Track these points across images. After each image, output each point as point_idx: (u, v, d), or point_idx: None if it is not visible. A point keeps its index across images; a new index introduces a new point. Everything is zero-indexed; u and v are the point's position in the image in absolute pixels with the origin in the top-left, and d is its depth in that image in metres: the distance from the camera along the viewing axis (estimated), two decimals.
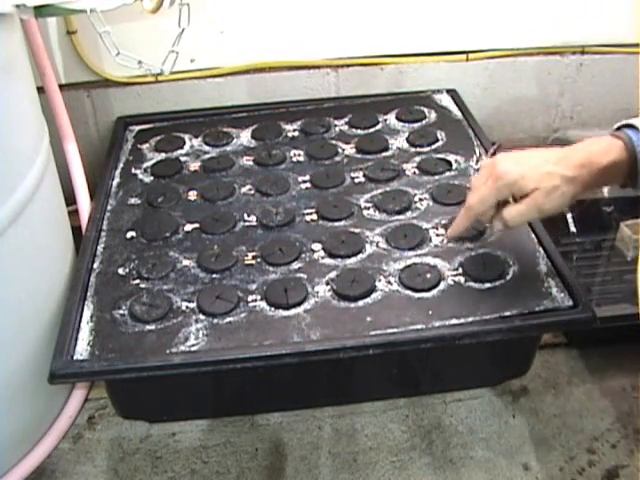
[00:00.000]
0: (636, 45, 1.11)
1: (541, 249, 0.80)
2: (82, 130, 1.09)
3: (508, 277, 0.77)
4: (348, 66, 1.13)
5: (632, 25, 1.11)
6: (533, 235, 0.82)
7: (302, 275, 0.78)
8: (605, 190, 1.10)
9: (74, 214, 0.94)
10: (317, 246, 0.83)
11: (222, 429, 0.85)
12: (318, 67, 1.13)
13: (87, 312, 0.76)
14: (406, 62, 1.14)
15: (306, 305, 0.74)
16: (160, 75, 0.92)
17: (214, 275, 0.79)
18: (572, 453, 0.82)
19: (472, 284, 0.76)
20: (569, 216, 1.03)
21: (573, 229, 1.04)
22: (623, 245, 1.00)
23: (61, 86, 0.97)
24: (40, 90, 0.85)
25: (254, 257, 0.81)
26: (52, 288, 0.81)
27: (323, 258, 0.81)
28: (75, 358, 0.70)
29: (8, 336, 0.73)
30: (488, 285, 0.76)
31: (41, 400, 0.81)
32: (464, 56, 1.15)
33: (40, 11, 0.73)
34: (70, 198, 0.94)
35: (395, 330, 0.71)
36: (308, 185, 0.94)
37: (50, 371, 0.68)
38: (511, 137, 1.27)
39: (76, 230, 0.91)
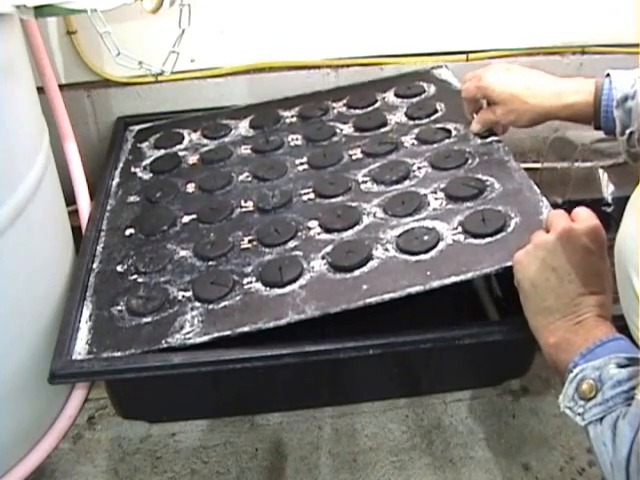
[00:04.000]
0: (636, 45, 1.11)
1: (544, 199, 0.77)
2: (82, 130, 1.09)
3: (509, 229, 0.73)
4: (348, 66, 1.13)
5: (632, 25, 1.11)
6: (536, 187, 0.79)
7: (298, 253, 0.77)
8: (605, 190, 1.10)
9: (74, 214, 0.94)
10: (313, 223, 0.81)
11: (222, 429, 0.85)
12: (318, 67, 1.13)
13: (86, 311, 0.76)
14: (406, 62, 1.13)
15: (301, 281, 0.73)
16: (160, 75, 0.92)
17: (210, 262, 0.79)
18: (572, 453, 0.82)
19: (472, 241, 0.73)
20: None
21: None
22: None
23: (61, 86, 0.97)
24: (40, 90, 0.85)
25: (250, 241, 0.81)
26: (52, 288, 0.81)
27: (319, 234, 0.79)
28: (74, 358, 0.70)
29: (8, 336, 0.73)
30: (489, 239, 0.72)
31: (41, 400, 0.80)
32: (464, 56, 1.15)
33: (40, 11, 0.73)
34: (70, 198, 0.94)
35: (392, 295, 0.68)
36: (305, 167, 0.92)
37: (50, 371, 0.68)
38: (511, 137, 1.27)
39: (76, 230, 0.91)
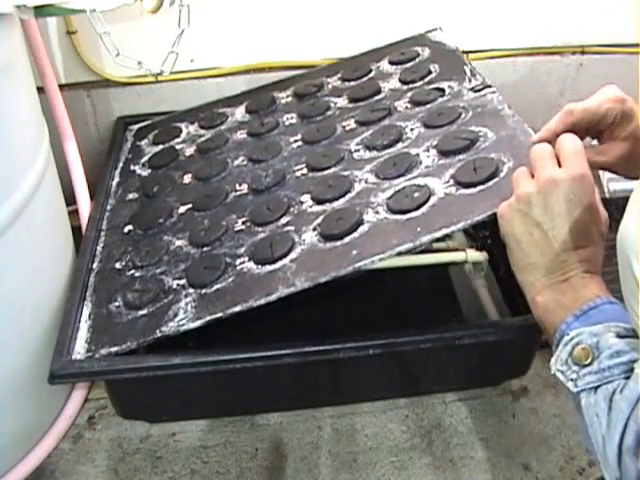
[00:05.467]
0: (636, 45, 1.11)
1: None
2: (82, 130, 1.09)
3: (502, 174, 0.70)
4: None
5: (632, 25, 1.11)
6: (530, 130, 0.74)
7: (290, 228, 0.76)
8: (605, 190, 1.10)
9: (74, 214, 0.94)
10: (306, 197, 0.80)
11: (222, 429, 0.85)
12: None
13: (86, 311, 0.76)
14: None
15: (292, 255, 0.72)
16: (160, 75, 0.92)
17: (204, 248, 0.78)
18: (572, 453, 0.82)
19: (464, 191, 0.70)
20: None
21: None
22: None
23: (61, 86, 0.97)
24: (40, 90, 0.85)
25: (244, 222, 0.80)
26: (52, 288, 0.81)
27: (311, 207, 0.78)
28: (74, 358, 0.70)
29: (8, 336, 0.73)
30: (481, 188, 0.69)
31: (41, 400, 0.80)
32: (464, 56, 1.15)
33: (40, 11, 0.73)
34: (70, 198, 0.94)
35: (381, 256, 0.66)
36: (299, 143, 0.91)
37: (50, 371, 0.68)
38: None
39: (76, 230, 0.91)
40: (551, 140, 0.64)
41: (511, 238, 0.59)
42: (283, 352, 0.69)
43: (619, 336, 0.50)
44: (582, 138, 0.64)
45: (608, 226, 0.60)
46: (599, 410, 0.48)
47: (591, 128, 0.65)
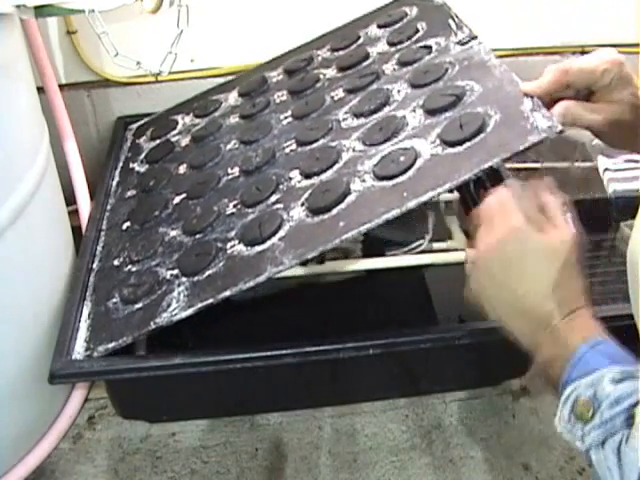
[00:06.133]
0: (636, 45, 1.11)
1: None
2: (82, 130, 1.09)
3: (489, 129, 0.66)
4: None
5: (632, 25, 1.11)
6: (517, 79, 0.70)
7: (279, 206, 0.74)
8: (606, 190, 1.10)
9: (74, 214, 0.94)
10: (295, 173, 0.78)
11: (222, 429, 0.85)
12: None
13: (86, 311, 0.76)
14: None
15: (280, 233, 0.70)
16: (160, 75, 0.92)
17: (197, 236, 0.78)
18: (572, 453, 0.82)
19: (451, 150, 0.67)
20: (569, 216, 1.03)
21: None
22: (623, 245, 1.00)
23: (61, 86, 0.97)
24: (40, 90, 0.85)
25: (235, 205, 0.79)
26: (52, 288, 0.81)
27: (300, 182, 0.76)
28: (74, 358, 0.70)
29: (8, 336, 0.73)
30: (468, 144, 0.66)
31: (41, 400, 0.80)
32: None
33: (40, 11, 0.73)
34: (70, 198, 0.94)
35: (368, 225, 0.64)
36: (289, 120, 0.89)
37: (50, 371, 0.68)
38: None
39: (76, 230, 0.91)
40: (542, 98, 0.63)
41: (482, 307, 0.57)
42: (283, 352, 0.69)
43: (615, 381, 0.48)
44: (575, 99, 0.62)
45: (579, 240, 0.58)
46: (610, 464, 0.46)
47: (585, 89, 0.63)
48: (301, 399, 0.85)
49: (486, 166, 0.62)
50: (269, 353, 0.69)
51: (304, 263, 0.85)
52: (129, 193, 0.93)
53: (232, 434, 0.84)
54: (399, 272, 0.91)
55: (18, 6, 0.70)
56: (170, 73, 0.93)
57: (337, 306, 0.90)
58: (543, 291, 0.54)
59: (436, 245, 0.93)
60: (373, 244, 0.91)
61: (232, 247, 0.73)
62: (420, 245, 0.92)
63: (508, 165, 1.13)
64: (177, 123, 1.03)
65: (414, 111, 0.76)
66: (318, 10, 1.08)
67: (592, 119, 0.62)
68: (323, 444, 0.83)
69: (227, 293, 0.68)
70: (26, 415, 0.79)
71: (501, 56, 1.13)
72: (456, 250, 0.92)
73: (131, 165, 0.99)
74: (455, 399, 0.88)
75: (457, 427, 0.85)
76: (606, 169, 1.09)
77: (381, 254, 0.90)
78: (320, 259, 0.85)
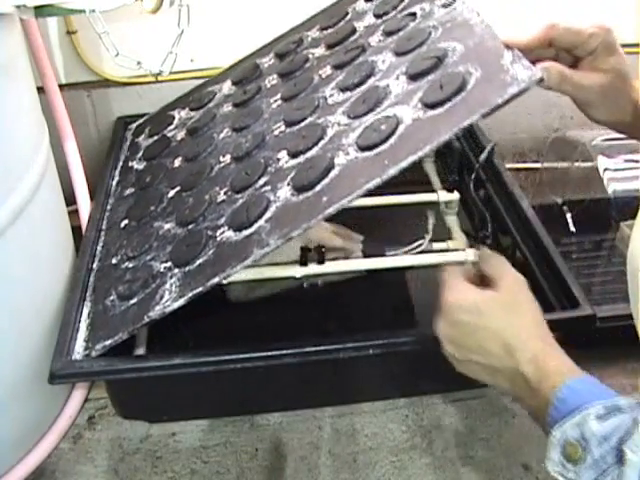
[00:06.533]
0: (636, 45, 1.11)
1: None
2: (82, 130, 1.09)
3: (469, 86, 0.64)
4: None
5: (632, 25, 1.11)
6: (498, 34, 0.68)
7: (266, 188, 0.74)
8: (605, 190, 1.10)
9: (74, 214, 0.94)
10: (282, 154, 0.77)
11: (222, 429, 0.85)
12: None
13: (85, 310, 0.76)
14: None
15: (267, 215, 0.70)
16: (160, 75, 0.92)
17: (189, 226, 0.77)
18: None
19: (432, 112, 0.66)
20: (569, 216, 1.03)
21: (573, 229, 1.05)
22: (623, 245, 1.00)
23: (61, 86, 0.97)
24: (40, 90, 0.85)
25: (225, 193, 0.78)
26: (52, 288, 0.81)
27: (287, 162, 0.75)
28: (74, 358, 0.70)
29: (8, 336, 0.73)
30: (449, 105, 0.65)
31: (41, 400, 0.80)
32: None
33: (40, 11, 0.73)
34: (70, 198, 0.94)
35: (350, 197, 0.63)
36: (279, 102, 0.88)
37: (50, 371, 0.68)
38: (511, 137, 1.27)
39: (76, 230, 0.91)
40: (524, 51, 0.61)
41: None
42: (283, 352, 0.69)
43: (600, 418, 0.47)
44: (559, 61, 0.61)
45: (522, 278, 0.59)
46: None
47: (570, 52, 0.61)
48: (301, 399, 0.85)
49: (465, 124, 0.61)
50: (269, 353, 0.69)
51: (304, 263, 0.85)
52: (128, 191, 0.93)
53: (232, 434, 0.84)
54: (399, 272, 0.91)
55: (18, 6, 0.70)
56: (170, 73, 0.93)
57: (337, 306, 0.90)
58: (501, 346, 0.55)
59: (436, 245, 0.93)
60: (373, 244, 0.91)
61: (222, 234, 0.73)
62: (420, 245, 0.92)
63: (508, 165, 1.13)
64: (174, 118, 1.03)
65: (397, 79, 0.75)
66: (317, 10, 1.08)
67: (575, 84, 0.61)
68: (323, 444, 0.83)
69: (216, 280, 0.67)
70: (26, 415, 0.79)
71: None
72: (456, 250, 0.92)
73: (130, 164, 0.99)
74: (455, 399, 0.88)
75: (457, 427, 0.85)
76: (606, 169, 1.09)
77: (381, 254, 0.90)
78: (320, 259, 0.85)
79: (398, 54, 0.78)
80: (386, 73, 0.77)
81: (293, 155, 0.75)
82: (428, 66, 0.71)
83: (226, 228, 0.73)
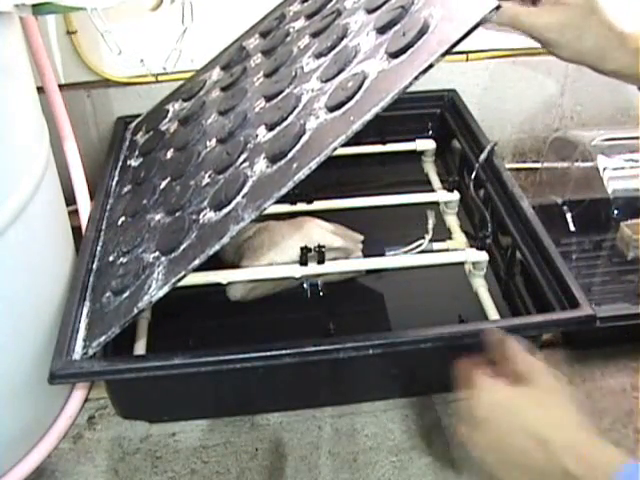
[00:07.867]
0: None
1: None
2: (82, 130, 1.09)
3: (431, 29, 0.63)
4: None
5: (632, 25, 1.11)
6: None
7: (245, 165, 0.73)
8: (606, 190, 1.10)
9: (74, 214, 0.94)
10: (261, 129, 0.76)
11: (222, 429, 0.85)
12: None
13: (85, 310, 0.76)
14: None
15: (244, 190, 0.70)
16: (161, 75, 0.92)
17: (177, 214, 0.77)
18: None
19: (396, 61, 0.64)
20: (569, 216, 1.03)
21: (573, 229, 1.04)
22: (623, 245, 1.00)
23: (61, 86, 0.97)
24: (40, 90, 0.85)
25: (209, 176, 0.78)
26: (52, 288, 0.81)
27: (264, 136, 0.75)
28: (74, 358, 0.70)
29: (8, 336, 0.72)
30: (411, 50, 0.63)
31: (41, 400, 0.80)
32: (464, 56, 1.15)
33: (38, 9, 0.73)
34: (70, 198, 0.94)
35: (317, 159, 0.62)
36: (261, 80, 0.88)
37: (50, 371, 0.68)
38: (511, 137, 1.27)
39: (76, 230, 0.91)
40: None
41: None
42: (283, 352, 0.69)
43: None
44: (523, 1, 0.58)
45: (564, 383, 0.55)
46: None
47: None
48: (301, 399, 0.85)
49: (426, 65, 0.60)
50: (269, 353, 0.69)
51: (304, 263, 0.85)
52: (125, 189, 0.93)
53: (232, 434, 0.84)
54: (399, 272, 0.91)
55: (17, 5, 0.70)
56: (170, 73, 0.93)
57: (337, 306, 0.90)
58: (548, 446, 0.49)
59: (436, 245, 0.93)
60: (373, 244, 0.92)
61: (204, 216, 0.72)
62: (420, 245, 0.92)
63: (508, 165, 1.13)
64: (168, 112, 1.02)
65: (367, 35, 0.74)
66: None
67: (531, 22, 0.59)
68: (323, 444, 0.83)
69: (197, 262, 0.67)
70: (26, 415, 0.79)
71: (501, 56, 1.15)
72: (456, 250, 0.92)
73: (128, 162, 0.99)
74: (455, 399, 0.88)
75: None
76: (606, 169, 1.09)
77: (381, 254, 0.91)
78: (320, 259, 0.85)
79: (369, 11, 0.77)
80: (357, 32, 0.76)
81: (270, 128, 0.75)
82: (394, 16, 0.70)
83: (208, 210, 0.73)
